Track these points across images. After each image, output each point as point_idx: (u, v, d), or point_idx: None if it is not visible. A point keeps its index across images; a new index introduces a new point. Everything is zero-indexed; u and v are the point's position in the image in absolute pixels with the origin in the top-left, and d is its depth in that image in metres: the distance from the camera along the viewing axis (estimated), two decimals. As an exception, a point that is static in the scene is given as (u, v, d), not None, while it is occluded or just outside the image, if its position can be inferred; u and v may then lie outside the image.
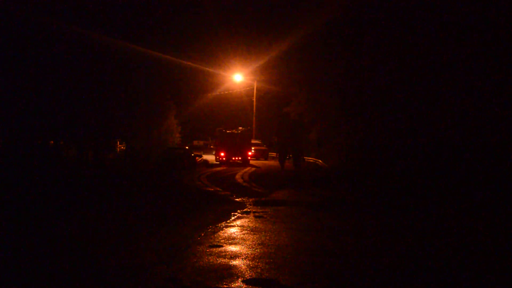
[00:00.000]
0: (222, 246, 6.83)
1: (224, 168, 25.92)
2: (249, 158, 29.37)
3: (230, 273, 5.50)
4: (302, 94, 33.71)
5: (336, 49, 26.58)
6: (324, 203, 11.73)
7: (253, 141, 36.43)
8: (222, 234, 7.72)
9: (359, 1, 24.29)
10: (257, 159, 33.82)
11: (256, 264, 5.89)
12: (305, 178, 19.88)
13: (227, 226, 8.46)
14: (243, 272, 5.55)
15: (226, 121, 49.99)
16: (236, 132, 30.02)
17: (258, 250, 6.64)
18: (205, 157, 32.91)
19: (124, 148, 33.07)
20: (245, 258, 6.17)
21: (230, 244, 7.02)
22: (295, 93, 34.88)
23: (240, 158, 28.70)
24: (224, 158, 28.75)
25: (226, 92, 46.22)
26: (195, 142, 44.53)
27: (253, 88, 41.67)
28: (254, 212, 10.20)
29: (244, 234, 7.78)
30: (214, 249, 6.65)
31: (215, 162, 29.71)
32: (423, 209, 10.95)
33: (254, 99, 41.51)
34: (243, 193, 14.00)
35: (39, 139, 25.60)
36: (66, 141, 27.82)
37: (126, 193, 14.07)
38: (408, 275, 5.64)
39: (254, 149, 34.48)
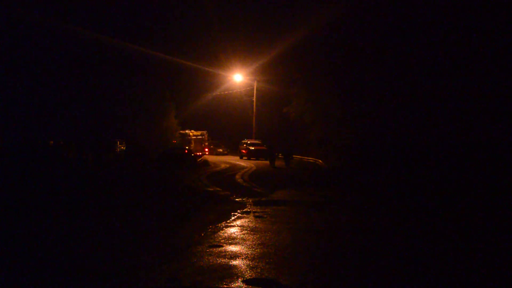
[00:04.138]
0: (222, 246, 6.83)
1: (224, 168, 25.93)
2: (206, 152, 39.00)
3: (230, 273, 5.50)
4: (302, 94, 33.73)
5: (336, 50, 26.59)
6: (324, 203, 11.73)
7: (253, 141, 36.44)
8: (222, 234, 7.72)
9: (358, 2, 24.30)
10: (257, 159, 33.80)
11: (256, 264, 5.89)
12: (305, 178, 19.88)
13: (227, 226, 8.46)
14: (243, 272, 5.56)
15: (226, 121, 50.03)
16: (196, 133, 40.08)
17: (258, 250, 6.65)
18: (205, 157, 32.94)
19: (124, 148, 33.08)
20: (245, 258, 6.18)
21: (230, 244, 7.02)
22: (295, 93, 34.89)
23: (200, 153, 36.58)
24: None
25: (226, 92, 46.20)
26: (195, 142, 44.52)
27: (253, 88, 41.64)
28: (254, 212, 10.19)
29: (244, 234, 7.78)
30: (214, 249, 6.66)
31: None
32: (422, 209, 10.95)
33: (254, 99, 41.49)
34: (243, 193, 13.99)
35: (39, 139, 25.61)
36: (66, 141, 27.82)
37: (126, 193, 14.07)
38: (408, 275, 5.64)
39: (253, 149, 34.50)
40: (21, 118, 22.76)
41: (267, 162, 30.86)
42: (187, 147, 33.57)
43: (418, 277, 5.58)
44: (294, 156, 33.99)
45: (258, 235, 7.64)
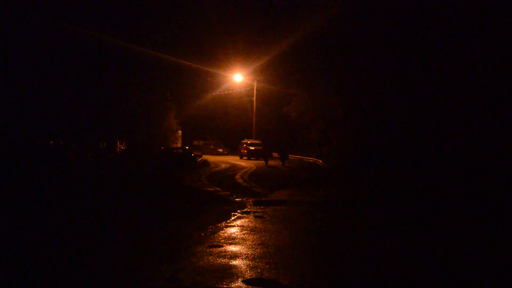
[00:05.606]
0: (222, 246, 6.83)
1: (224, 168, 25.94)
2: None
3: (230, 273, 5.50)
4: (302, 94, 33.75)
5: (336, 49, 26.59)
6: (324, 203, 11.73)
7: (253, 141, 36.46)
8: (222, 234, 7.73)
9: (358, 2, 24.30)
10: (256, 159, 33.79)
11: (256, 264, 5.89)
12: (304, 178, 19.89)
13: (227, 226, 8.46)
14: (243, 272, 5.56)
15: (226, 121, 50.01)
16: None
17: (258, 250, 6.65)
18: (205, 157, 32.95)
19: (124, 148, 33.09)
20: (245, 258, 6.18)
21: (230, 244, 7.02)
22: (295, 93, 34.91)
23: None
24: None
25: (226, 92, 46.15)
26: (195, 142, 44.53)
27: (253, 88, 41.62)
28: (254, 212, 10.19)
29: (244, 234, 7.79)
30: (214, 249, 6.66)
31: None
32: (422, 209, 10.95)
33: (254, 99, 41.47)
34: (243, 193, 14.00)
35: (39, 139, 25.60)
36: (66, 141, 27.83)
37: (126, 193, 14.07)
38: (407, 275, 5.64)
39: (254, 149, 34.53)
40: (21, 118, 22.75)
41: (269, 162, 30.87)
42: (187, 147, 33.60)
43: (418, 277, 5.58)
44: (293, 156, 34.10)
45: (258, 235, 7.65)
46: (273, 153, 33.29)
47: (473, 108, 17.68)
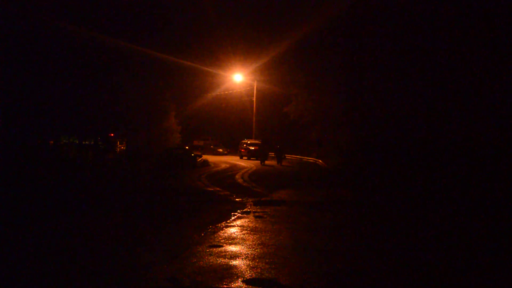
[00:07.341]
0: (222, 246, 6.83)
1: (224, 168, 25.95)
2: None
3: (230, 273, 5.50)
4: (302, 94, 33.80)
5: (337, 50, 26.61)
6: (324, 203, 11.73)
7: (253, 141, 36.47)
8: (222, 234, 7.73)
9: (359, 3, 24.31)
10: (256, 159, 33.80)
11: (256, 264, 5.89)
12: (304, 178, 19.89)
13: (227, 226, 8.46)
14: (243, 272, 5.56)
15: (226, 121, 50.01)
16: None
17: (258, 250, 6.65)
18: (205, 157, 32.95)
19: (124, 148, 33.08)
20: (245, 258, 6.18)
21: (230, 244, 7.02)
22: (295, 93, 34.95)
23: None
24: None
25: (226, 92, 46.15)
26: (195, 142, 44.53)
27: (253, 88, 41.62)
28: (254, 212, 10.19)
29: (244, 234, 7.79)
30: (214, 249, 6.66)
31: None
32: (422, 209, 10.95)
33: (254, 99, 41.46)
34: (243, 193, 14.00)
35: (39, 139, 25.60)
36: (66, 140, 27.86)
37: (126, 193, 14.06)
38: (407, 275, 5.64)
39: (253, 149, 34.55)
40: (21, 118, 22.74)
41: (267, 161, 30.90)
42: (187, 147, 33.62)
43: (420, 276, 5.58)
44: (293, 156, 34.15)
45: (258, 235, 7.65)
46: (270, 153, 33.38)
47: (474, 108, 17.67)
